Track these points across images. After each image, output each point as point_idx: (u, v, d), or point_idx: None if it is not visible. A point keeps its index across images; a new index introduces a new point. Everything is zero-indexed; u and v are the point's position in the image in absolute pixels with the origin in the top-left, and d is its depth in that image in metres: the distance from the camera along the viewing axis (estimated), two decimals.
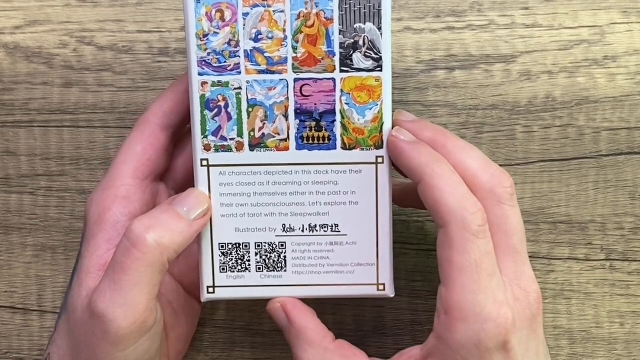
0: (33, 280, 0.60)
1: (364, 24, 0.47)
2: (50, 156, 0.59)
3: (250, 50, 0.47)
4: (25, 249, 0.59)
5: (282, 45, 0.47)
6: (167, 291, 0.52)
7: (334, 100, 0.47)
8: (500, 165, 0.47)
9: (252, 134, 0.48)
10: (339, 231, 0.49)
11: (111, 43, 0.58)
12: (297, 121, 0.48)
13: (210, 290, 0.49)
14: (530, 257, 0.47)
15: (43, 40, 0.58)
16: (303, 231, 0.49)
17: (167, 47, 0.58)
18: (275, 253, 0.49)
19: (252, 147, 0.48)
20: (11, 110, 0.58)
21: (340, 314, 0.59)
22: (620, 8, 0.57)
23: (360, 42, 0.47)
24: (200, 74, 0.47)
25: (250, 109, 0.48)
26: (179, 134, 0.52)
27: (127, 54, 0.58)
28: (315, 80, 0.47)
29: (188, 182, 0.50)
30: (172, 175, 0.53)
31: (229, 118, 0.48)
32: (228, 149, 0.48)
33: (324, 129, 0.48)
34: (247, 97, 0.48)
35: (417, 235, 0.58)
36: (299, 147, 0.48)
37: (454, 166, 0.46)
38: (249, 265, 0.49)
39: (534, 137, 0.57)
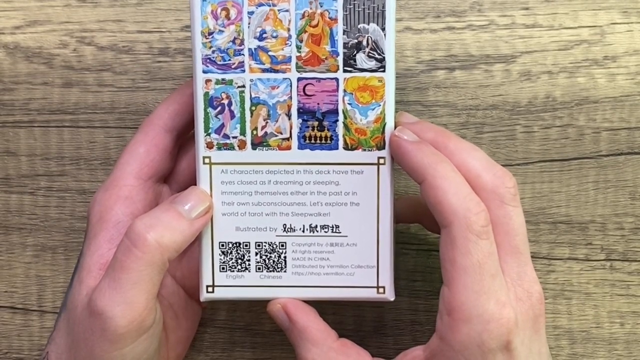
0: (33, 280, 0.59)
1: (368, 24, 0.47)
2: (50, 156, 0.59)
3: (255, 49, 0.47)
4: (25, 249, 0.59)
5: (286, 44, 0.47)
6: (168, 294, 0.52)
7: (337, 100, 0.48)
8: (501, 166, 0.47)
9: (254, 132, 0.48)
10: (340, 232, 0.49)
11: (111, 43, 0.58)
12: (300, 120, 0.48)
13: (210, 289, 0.49)
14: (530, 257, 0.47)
15: (43, 40, 0.58)
16: (303, 231, 0.49)
17: (167, 47, 0.58)
18: (276, 253, 0.49)
19: (255, 146, 0.48)
20: (11, 110, 0.58)
21: (340, 314, 0.59)
22: (620, 8, 0.57)
23: (364, 43, 0.47)
24: (204, 72, 0.47)
25: (253, 108, 0.48)
26: (184, 136, 0.52)
27: (127, 54, 0.58)
28: (319, 79, 0.47)
29: (191, 184, 0.49)
30: (176, 178, 0.53)
31: (232, 116, 0.48)
32: (230, 147, 0.48)
33: (326, 128, 0.48)
34: (251, 96, 0.48)
35: (417, 236, 0.58)
36: (301, 147, 0.48)
37: (456, 167, 0.46)
38: (249, 265, 0.49)
39: (534, 137, 0.57)
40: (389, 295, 0.49)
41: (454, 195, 0.44)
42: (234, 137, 0.48)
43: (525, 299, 0.45)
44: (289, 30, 0.47)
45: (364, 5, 0.47)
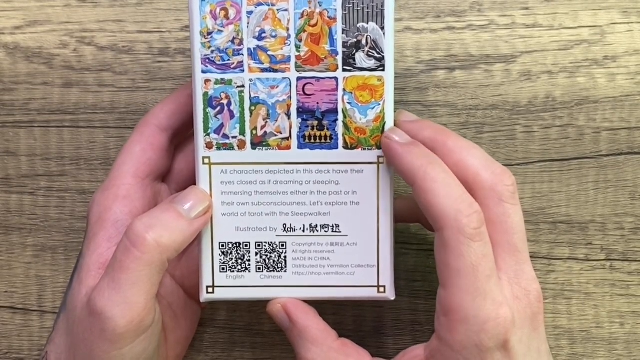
0: (33, 280, 0.59)
1: (367, 23, 0.47)
2: (50, 156, 0.59)
3: (254, 49, 0.47)
4: (25, 249, 0.59)
5: (285, 43, 0.47)
6: (167, 294, 0.52)
7: (336, 100, 0.47)
8: None
9: (254, 132, 0.48)
10: (340, 232, 0.49)
11: (111, 43, 0.58)
12: (299, 120, 0.48)
13: (210, 290, 0.49)
14: (530, 257, 0.46)
15: (43, 41, 0.58)
16: (304, 231, 0.49)
17: (167, 47, 0.58)
18: (276, 253, 0.49)
19: (254, 146, 0.48)
20: (11, 111, 0.58)
21: (340, 314, 0.59)
22: (620, 8, 0.57)
23: (363, 42, 0.47)
24: (203, 72, 0.47)
25: (253, 107, 0.48)
26: (181, 136, 0.52)
27: (127, 54, 0.58)
28: (318, 79, 0.47)
29: (190, 184, 0.49)
30: (174, 177, 0.53)
31: (232, 116, 0.48)
32: (230, 147, 0.48)
33: (326, 128, 0.48)
34: (250, 95, 0.48)
35: (417, 236, 0.58)
36: (300, 146, 0.48)
37: (455, 165, 0.46)
38: (249, 265, 0.49)
39: (534, 137, 0.57)
40: (390, 294, 0.49)
41: (444, 198, 0.44)
42: (233, 137, 0.48)
43: (523, 297, 0.45)
44: (288, 29, 0.47)
45: (363, 4, 0.47)
